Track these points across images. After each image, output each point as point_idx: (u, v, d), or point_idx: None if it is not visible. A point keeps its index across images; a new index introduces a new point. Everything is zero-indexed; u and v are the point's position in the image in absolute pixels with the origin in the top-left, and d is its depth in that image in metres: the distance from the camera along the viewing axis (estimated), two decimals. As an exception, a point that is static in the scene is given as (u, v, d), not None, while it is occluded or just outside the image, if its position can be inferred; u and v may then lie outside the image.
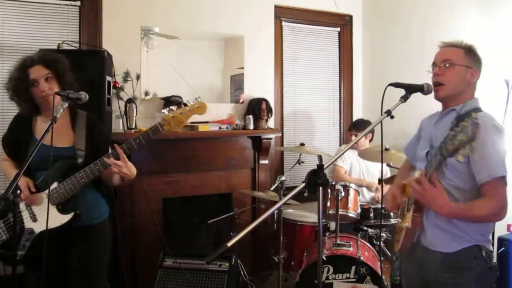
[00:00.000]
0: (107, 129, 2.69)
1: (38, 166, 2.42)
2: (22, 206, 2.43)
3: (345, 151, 2.06)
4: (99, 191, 2.60)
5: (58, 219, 2.38)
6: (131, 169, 2.41)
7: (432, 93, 2.18)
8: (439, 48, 2.24)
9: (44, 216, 2.30)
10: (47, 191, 2.40)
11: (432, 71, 2.20)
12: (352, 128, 4.72)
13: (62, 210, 2.39)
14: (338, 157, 1.98)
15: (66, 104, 2.27)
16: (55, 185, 2.40)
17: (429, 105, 2.31)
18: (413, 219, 2.15)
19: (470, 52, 2.18)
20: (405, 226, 2.20)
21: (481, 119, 1.93)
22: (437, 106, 2.29)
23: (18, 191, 1.95)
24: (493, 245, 3.61)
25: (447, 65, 2.14)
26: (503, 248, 3.66)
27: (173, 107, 2.40)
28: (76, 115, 2.57)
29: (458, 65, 2.14)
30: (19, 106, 2.52)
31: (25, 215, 2.44)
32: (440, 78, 2.15)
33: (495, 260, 2.21)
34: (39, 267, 2.36)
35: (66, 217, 2.39)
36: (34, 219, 2.41)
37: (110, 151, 2.42)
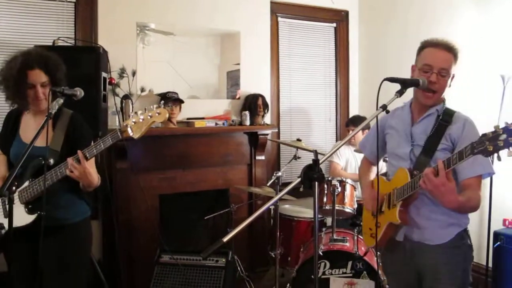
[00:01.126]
0: (89, 132, 2.62)
1: (16, 162, 2.38)
2: None
3: (341, 146, 2.06)
4: (77, 192, 2.52)
5: (23, 218, 2.35)
6: (89, 176, 2.35)
7: None
8: (433, 46, 2.23)
9: (15, 213, 2.26)
10: (18, 189, 2.37)
11: (424, 71, 2.19)
12: (350, 123, 4.72)
13: (31, 209, 2.36)
14: (334, 152, 1.97)
15: (62, 101, 2.26)
16: (26, 184, 2.37)
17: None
18: (401, 215, 2.19)
19: (456, 57, 2.22)
20: (388, 222, 2.25)
21: (465, 118, 2.18)
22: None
23: (14, 188, 1.95)
24: (488, 240, 3.66)
25: (443, 75, 2.18)
26: (498, 243, 3.68)
27: (139, 111, 2.34)
28: (60, 114, 2.49)
29: (449, 75, 2.20)
30: (10, 101, 2.46)
31: (0, 210, 2.44)
32: (436, 87, 2.18)
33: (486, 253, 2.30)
34: (14, 261, 2.38)
35: (31, 217, 2.35)
36: (6, 214, 2.34)
37: None
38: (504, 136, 1.69)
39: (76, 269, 2.51)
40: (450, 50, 2.19)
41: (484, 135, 1.76)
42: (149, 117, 2.29)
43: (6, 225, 2.31)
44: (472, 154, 1.82)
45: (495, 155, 1.82)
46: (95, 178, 2.43)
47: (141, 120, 2.29)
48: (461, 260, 2.22)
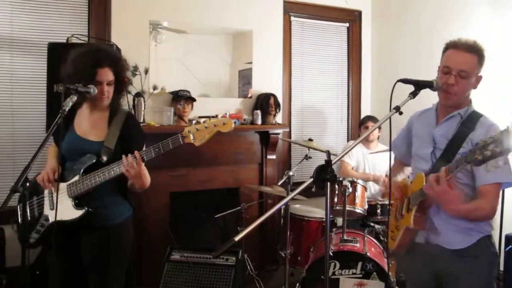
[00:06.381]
0: (143, 133, 2.64)
1: (67, 155, 2.45)
2: (46, 192, 2.47)
3: (354, 146, 2.04)
4: (122, 192, 2.54)
5: (70, 212, 2.37)
6: (144, 178, 2.38)
7: None
8: (453, 48, 2.18)
9: (60, 206, 2.31)
10: (67, 182, 2.40)
11: (444, 72, 2.16)
12: (368, 120, 4.67)
13: (77, 204, 2.38)
14: (347, 153, 1.97)
15: (75, 98, 2.27)
16: (76, 178, 2.39)
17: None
18: (416, 220, 2.18)
19: (482, 57, 2.17)
20: (405, 226, 2.23)
21: (490, 124, 2.10)
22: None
23: (28, 183, 1.96)
24: (500, 243, 3.63)
25: (463, 76, 2.12)
26: (510, 246, 3.65)
27: (201, 120, 2.28)
28: (116, 112, 2.53)
29: (471, 77, 2.14)
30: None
31: (46, 202, 2.47)
32: (454, 89, 2.13)
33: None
34: (54, 252, 2.38)
35: (78, 213, 2.36)
36: (52, 207, 2.41)
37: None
38: (492, 146, 1.70)
39: (115, 268, 2.52)
40: (471, 51, 2.14)
41: (477, 144, 1.76)
42: (213, 126, 2.29)
43: (51, 218, 2.40)
44: (466, 163, 1.83)
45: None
46: (148, 180, 2.45)
47: (205, 128, 2.29)
48: (485, 269, 2.16)
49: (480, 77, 2.19)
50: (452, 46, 2.19)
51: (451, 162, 1.98)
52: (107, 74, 2.41)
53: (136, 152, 2.31)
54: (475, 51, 2.14)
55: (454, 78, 2.12)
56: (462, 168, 1.89)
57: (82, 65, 2.35)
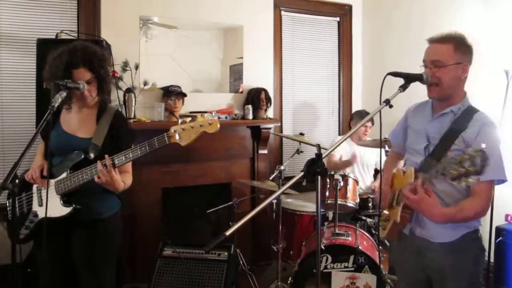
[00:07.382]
0: (132, 131, 2.62)
1: (56, 152, 2.45)
2: (34, 188, 2.48)
3: (343, 141, 2.04)
4: None
5: (59, 210, 2.38)
6: (116, 183, 2.33)
7: None
8: (429, 42, 2.21)
9: (49, 203, 2.30)
10: (55, 179, 2.40)
11: (424, 68, 2.18)
12: (362, 118, 4.62)
13: (66, 201, 2.39)
14: (337, 147, 1.97)
15: (64, 94, 2.26)
16: (64, 175, 2.39)
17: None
18: (402, 215, 2.19)
19: (460, 45, 2.15)
20: (393, 219, 2.24)
21: (483, 122, 2.07)
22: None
23: (17, 180, 1.95)
24: (490, 235, 3.64)
25: (438, 65, 2.12)
26: (500, 238, 3.68)
27: (187, 119, 2.25)
28: (105, 109, 2.52)
29: (448, 65, 2.12)
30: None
31: (34, 198, 2.48)
32: (432, 80, 2.14)
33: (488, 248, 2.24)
34: (44, 249, 2.38)
35: (66, 210, 2.38)
36: (40, 203, 2.44)
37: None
38: (467, 164, 1.70)
39: (105, 262, 2.54)
40: (444, 41, 2.14)
41: (453, 158, 1.77)
42: (199, 126, 2.28)
43: (40, 214, 2.42)
44: (442, 175, 1.84)
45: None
46: (120, 185, 2.39)
47: (190, 128, 2.28)
48: (471, 264, 2.16)
49: (465, 66, 2.16)
50: (428, 42, 2.21)
51: (431, 170, 1.97)
52: (83, 74, 2.38)
53: (106, 157, 2.29)
54: (448, 40, 2.14)
55: (429, 70, 2.13)
56: (437, 176, 1.90)
57: (57, 69, 2.34)
